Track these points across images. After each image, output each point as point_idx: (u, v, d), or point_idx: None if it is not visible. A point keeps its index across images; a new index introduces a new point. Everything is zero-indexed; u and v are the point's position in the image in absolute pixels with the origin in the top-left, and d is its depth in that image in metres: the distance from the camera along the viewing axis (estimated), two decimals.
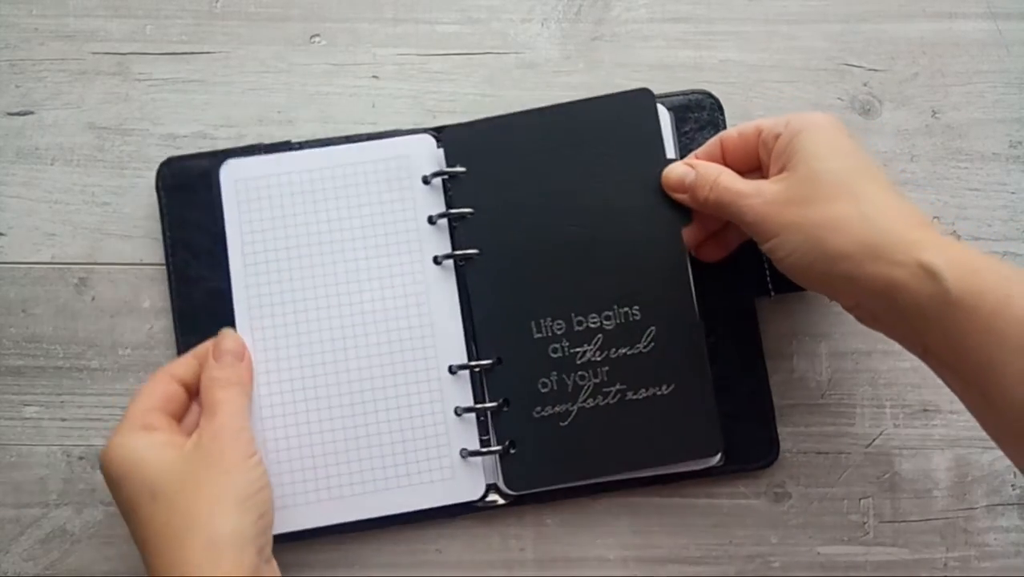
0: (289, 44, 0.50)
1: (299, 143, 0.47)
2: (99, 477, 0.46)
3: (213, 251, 0.46)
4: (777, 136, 0.41)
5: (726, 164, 0.43)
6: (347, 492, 0.44)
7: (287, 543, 0.44)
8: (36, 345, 0.47)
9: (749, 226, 0.41)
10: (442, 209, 0.46)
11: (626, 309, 0.45)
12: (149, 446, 0.39)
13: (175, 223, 0.46)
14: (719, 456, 0.45)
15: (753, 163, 0.43)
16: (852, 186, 0.38)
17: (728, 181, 0.42)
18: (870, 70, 0.50)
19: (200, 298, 0.46)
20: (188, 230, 0.46)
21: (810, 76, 0.50)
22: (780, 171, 0.40)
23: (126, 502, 0.39)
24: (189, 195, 0.47)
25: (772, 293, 0.46)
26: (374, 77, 0.50)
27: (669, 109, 0.47)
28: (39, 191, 0.48)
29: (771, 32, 0.50)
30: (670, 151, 0.47)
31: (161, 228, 0.46)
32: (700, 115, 0.48)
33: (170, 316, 0.46)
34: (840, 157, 0.39)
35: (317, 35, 0.50)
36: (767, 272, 0.46)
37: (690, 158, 0.45)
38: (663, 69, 0.50)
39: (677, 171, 0.44)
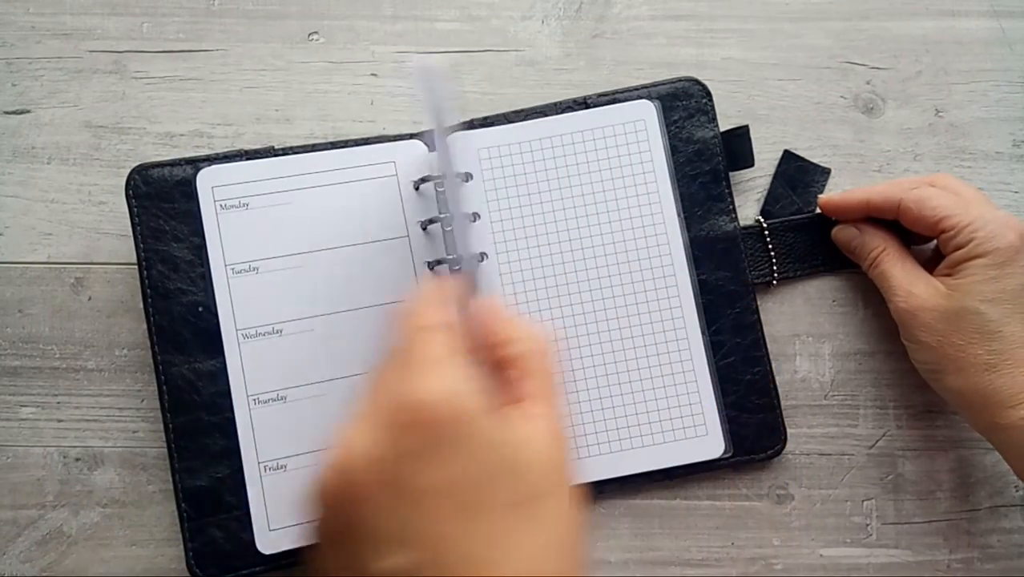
0: (287, 42, 0.49)
1: (282, 149, 0.46)
2: (96, 478, 0.46)
3: (194, 263, 0.45)
4: (958, 247, 0.42)
5: (900, 208, 0.44)
6: None
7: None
8: (32, 345, 0.47)
9: (892, 313, 0.44)
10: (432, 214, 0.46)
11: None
12: (488, 415, 0.29)
13: (149, 234, 0.45)
14: (725, 447, 0.45)
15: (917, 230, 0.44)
16: (996, 333, 0.40)
17: (886, 266, 0.44)
18: (873, 68, 0.50)
19: (180, 313, 0.44)
20: (164, 241, 0.45)
21: (813, 74, 0.50)
22: (945, 275, 0.42)
23: (469, 482, 0.28)
24: (165, 204, 0.45)
25: (775, 281, 0.47)
26: (373, 75, 0.49)
27: (656, 98, 0.47)
28: (35, 190, 0.48)
29: (774, 30, 0.50)
30: (658, 144, 0.46)
31: (133, 239, 0.45)
32: (688, 103, 0.48)
33: None
34: (1002, 302, 0.41)
35: (315, 33, 0.50)
36: (773, 262, 0.47)
37: (862, 204, 0.45)
38: (665, 67, 0.49)
39: (845, 233, 0.46)
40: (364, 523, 0.28)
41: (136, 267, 0.46)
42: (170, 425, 0.44)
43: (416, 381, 0.29)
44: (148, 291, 0.44)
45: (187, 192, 0.45)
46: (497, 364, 0.32)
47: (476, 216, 0.46)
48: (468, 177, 0.46)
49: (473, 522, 0.27)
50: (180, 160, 0.46)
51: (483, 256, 0.46)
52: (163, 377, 0.44)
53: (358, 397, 0.30)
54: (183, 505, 0.43)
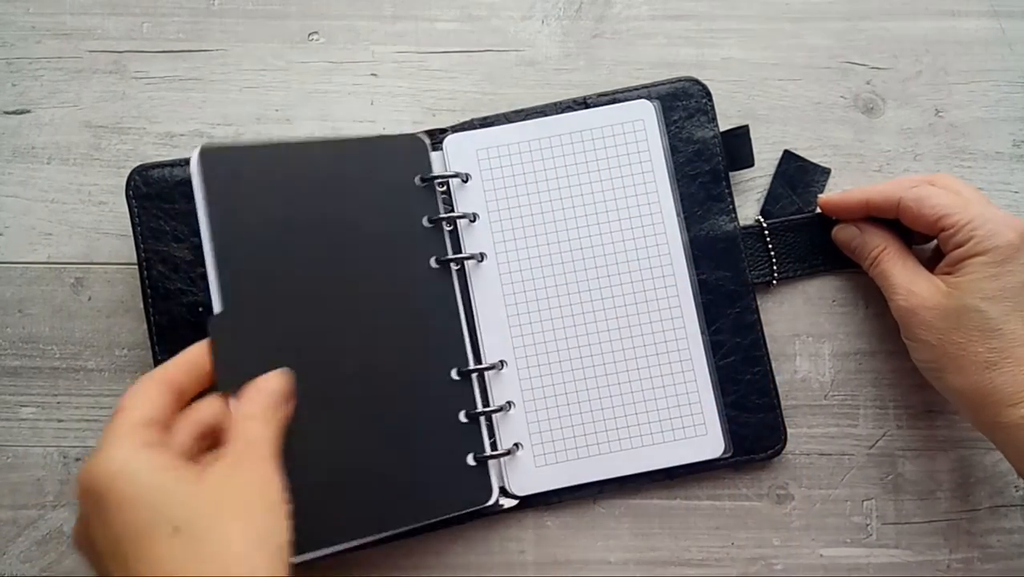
0: (287, 42, 0.49)
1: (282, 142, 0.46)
2: None
3: (194, 263, 0.45)
4: (958, 245, 0.42)
5: (900, 207, 0.44)
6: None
7: None
8: (32, 345, 0.47)
9: (892, 311, 0.44)
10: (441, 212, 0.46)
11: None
12: (158, 468, 0.33)
13: (149, 234, 0.45)
14: (725, 447, 0.45)
15: (917, 228, 0.44)
16: (996, 331, 0.40)
17: (887, 265, 0.44)
18: (873, 68, 0.50)
19: (180, 313, 0.44)
20: (164, 241, 0.45)
21: (813, 74, 0.50)
22: (945, 274, 0.42)
23: (129, 532, 0.31)
24: (165, 204, 0.45)
25: (775, 281, 0.47)
26: (373, 75, 0.49)
27: (656, 98, 0.47)
28: (35, 190, 0.48)
29: (774, 30, 0.50)
30: (657, 144, 0.46)
31: (133, 240, 0.45)
32: (688, 103, 0.48)
33: None
34: (1002, 300, 0.41)
35: (315, 33, 0.50)
36: (773, 262, 0.47)
37: (861, 204, 0.45)
38: (665, 67, 0.49)
39: (846, 232, 0.46)
40: None
41: (136, 267, 0.46)
42: None
43: (93, 457, 0.33)
44: (148, 291, 0.45)
45: (187, 193, 0.45)
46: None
47: (475, 216, 0.46)
48: (467, 177, 0.46)
49: (126, 568, 0.31)
50: (180, 160, 0.46)
51: (482, 256, 0.46)
52: None
53: None
54: None
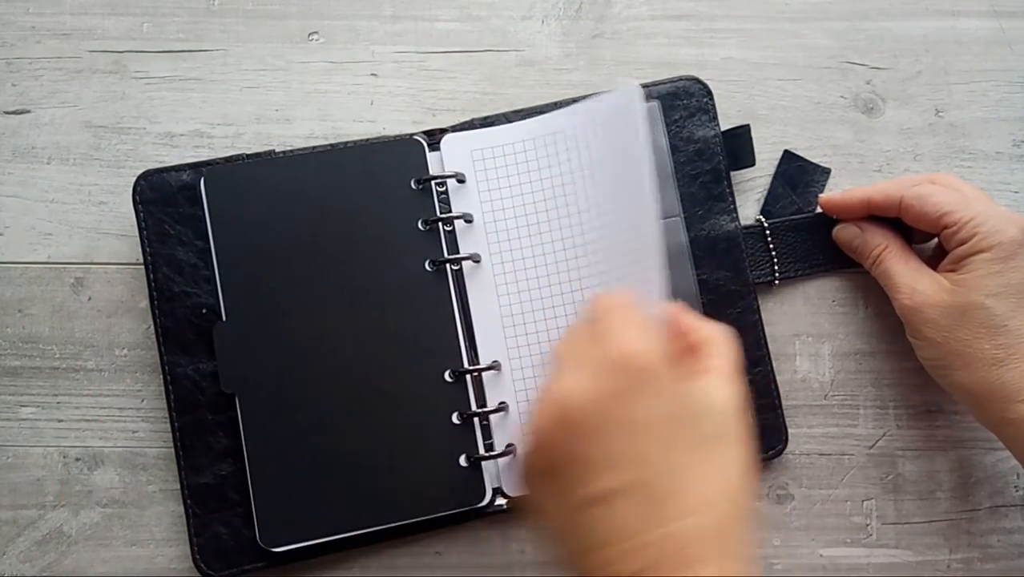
0: (287, 42, 0.49)
1: (282, 152, 0.46)
2: (96, 478, 0.46)
3: (199, 265, 0.45)
4: (961, 243, 0.42)
5: (902, 205, 0.44)
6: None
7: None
8: (32, 345, 0.47)
9: (897, 310, 0.44)
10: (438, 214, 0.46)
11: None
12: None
13: (155, 238, 0.45)
14: None
15: (918, 226, 0.44)
16: (1002, 327, 0.40)
17: (890, 264, 0.44)
18: (873, 68, 0.50)
19: (185, 314, 0.45)
20: (170, 245, 0.45)
21: (813, 74, 0.50)
22: (949, 271, 0.42)
23: (667, 416, 0.32)
24: (170, 209, 0.45)
25: (777, 281, 0.47)
26: (373, 75, 0.49)
27: (656, 97, 0.47)
28: (35, 190, 0.48)
29: (774, 30, 0.50)
30: (649, 146, 0.46)
31: (140, 244, 0.45)
32: (689, 102, 0.48)
33: None
34: (1007, 296, 0.41)
35: (315, 33, 0.50)
36: (774, 261, 0.47)
37: (863, 203, 0.45)
38: (664, 67, 0.49)
39: (847, 232, 0.46)
40: (576, 452, 0.32)
41: (136, 267, 0.46)
42: (175, 424, 0.44)
43: (623, 338, 0.33)
44: (154, 293, 0.45)
45: (191, 197, 0.45)
46: (687, 348, 0.36)
47: (470, 217, 0.46)
48: (463, 178, 0.46)
49: (669, 452, 0.32)
50: (184, 165, 0.46)
51: (477, 257, 0.46)
52: (169, 377, 0.44)
53: (554, 357, 0.35)
54: (188, 502, 0.44)
